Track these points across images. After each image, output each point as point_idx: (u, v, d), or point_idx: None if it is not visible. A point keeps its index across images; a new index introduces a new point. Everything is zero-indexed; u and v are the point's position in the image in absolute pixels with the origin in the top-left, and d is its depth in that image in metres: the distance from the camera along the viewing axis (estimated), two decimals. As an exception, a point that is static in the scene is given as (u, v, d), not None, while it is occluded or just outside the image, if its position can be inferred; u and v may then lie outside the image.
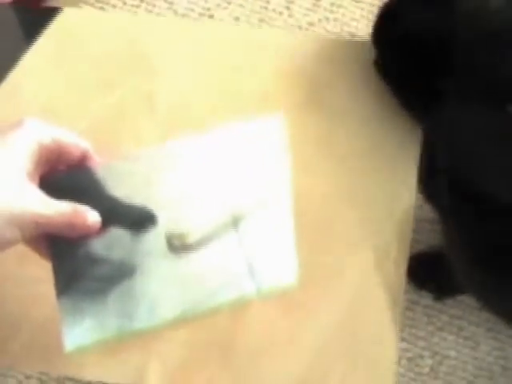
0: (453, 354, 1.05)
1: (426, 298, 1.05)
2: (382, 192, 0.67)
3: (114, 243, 0.62)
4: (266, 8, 1.20)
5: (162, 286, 0.63)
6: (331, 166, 0.68)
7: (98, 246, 0.62)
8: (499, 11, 0.58)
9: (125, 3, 1.22)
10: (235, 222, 0.64)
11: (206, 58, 0.73)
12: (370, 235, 0.66)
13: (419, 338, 1.05)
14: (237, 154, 0.65)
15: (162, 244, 0.63)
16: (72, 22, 0.75)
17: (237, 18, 1.20)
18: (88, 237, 0.60)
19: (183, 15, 1.20)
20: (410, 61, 0.63)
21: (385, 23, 0.66)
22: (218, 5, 1.21)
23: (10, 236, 0.54)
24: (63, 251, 0.61)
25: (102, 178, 0.62)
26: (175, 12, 1.20)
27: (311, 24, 1.19)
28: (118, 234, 0.62)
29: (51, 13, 0.75)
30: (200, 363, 0.66)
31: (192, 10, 1.21)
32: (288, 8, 1.20)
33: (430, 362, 1.04)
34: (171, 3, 1.21)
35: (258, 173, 0.65)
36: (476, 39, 0.58)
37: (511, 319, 0.87)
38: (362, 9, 1.19)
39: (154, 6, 1.21)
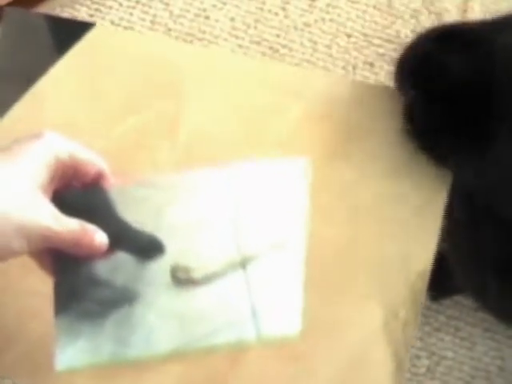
0: (450, 354, 1.05)
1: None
2: (398, 250, 0.65)
3: (119, 267, 0.61)
4: (261, 9, 1.20)
5: (161, 317, 0.62)
6: (351, 216, 0.66)
7: (102, 268, 0.61)
8: None
9: (121, 4, 1.22)
10: (244, 262, 0.63)
11: (234, 92, 0.71)
12: (381, 293, 0.64)
13: (416, 339, 1.05)
14: (255, 193, 0.64)
15: (166, 275, 0.62)
16: (103, 39, 0.74)
17: (232, 19, 1.19)
18: (93, 257, 0.59)
19: (179, 16, 1.20)
20: (450, 107, 0.61)
21: (416, 69, 0.63)
22: (214, 5, 1.21)
23: (17, 246, 0.54)
24: (67, 269, 0.60)
25: (114, 200, 0.61)
26: (171, 13, 1.20)
27: (307, 25, 1.19)
28: (123, 258, 0.61)
29: (83, 26, 0.74)
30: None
31: (187, 10, 1.21)
32: (284, 9, 1.20)
33: (426, 362, 1.04)
34: (167, 4, 1.21)
35: (274, 215, 0.64)
36: None
37: None
38: (358, 9, 1.19)
39: (150, 7, 1.21)
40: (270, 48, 1.18)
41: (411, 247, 0.64)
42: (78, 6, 1.21)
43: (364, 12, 1.18)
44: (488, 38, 0.60)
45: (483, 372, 1.05)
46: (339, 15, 1.19)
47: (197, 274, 0.62)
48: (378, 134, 0.68)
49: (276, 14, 1.20)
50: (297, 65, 1.17)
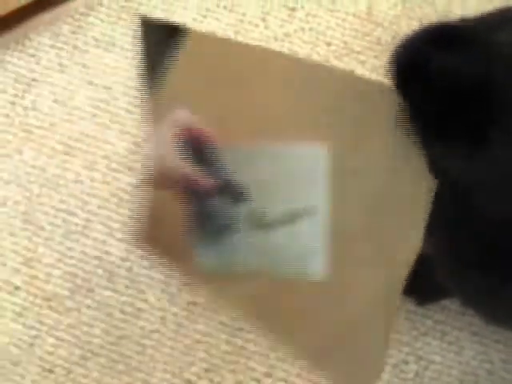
0: (437, 358, 1.05)
1: (409, 304, 1.06)
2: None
3: (222, 207, 0.78)
4: (241, 20, 1.21)
5: (249, 246, 0.78)
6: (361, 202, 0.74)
7: (211, 206, 0.79)
8: None
9: (102, 20, 1.23)
10: (295, 217, 0.76)
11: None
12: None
13: (403, 344, 1.04)
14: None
15: (249, 216, 0.78)
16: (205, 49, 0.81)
17: (213, 32, 1.19)
18: (206, 196, 0.78)
19: None
20: (446, 109, 0.60)
21: (408, 70, 0.63)
22: (194, 19, 1.22)
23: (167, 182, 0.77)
24: (190, 201, 0.79)
25: (220, 156, 0.77)
26: None
27: (287, 35, 1.20)
28: (224, 200, 0.78)
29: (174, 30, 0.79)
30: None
31: None
32: (264, 19, 1.21)
33: (414, 367, 1.04)
34: None
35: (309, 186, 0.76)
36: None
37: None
38: (337, 18, 1.20)
39: (132, 22, 1.22)
40: None
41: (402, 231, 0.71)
42: (60, 24, 1.22)
43: (343, 20, 1.18)
44: (483, 37, 0.60)
45: (472, 376, 1.05)
46: (319, 24, 1.20)
47: (268, 219, 0.78)
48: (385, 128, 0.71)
49: (256, 25, 1.21)
50: None
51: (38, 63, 1.20)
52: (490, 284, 0.73)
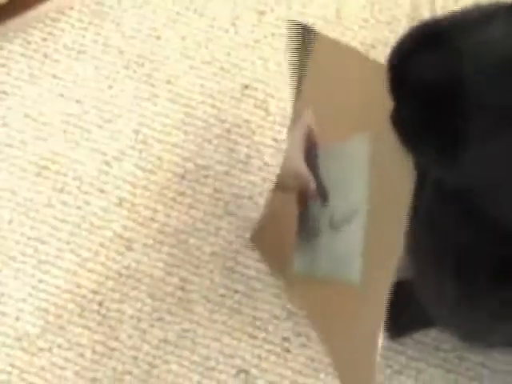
0: None
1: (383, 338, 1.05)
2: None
3: (318, 209, 0.86)
4: (211, 26, 1.21)
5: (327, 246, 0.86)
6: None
7: (312, 207, 0.87)
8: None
9: (73, 26, 1.23)
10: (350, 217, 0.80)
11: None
12: None
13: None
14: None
15: (328, 218, 0.85)
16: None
17: (183, 38, 1.19)
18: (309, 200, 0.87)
19: (130, 37, 1.21)
20: (427, 109, 0.62)
21: (396, 73, 0.65)
22: (165, 24, 1.21)
23: (292, 184, 0.88)
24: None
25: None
26: (122, 34, 1.21)
27: (257, 41, 1.20)
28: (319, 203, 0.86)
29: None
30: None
31: (139, 30, 1.21)
32: (234, 24, 1.21)
33: None
34: (118, 24, 1.22)
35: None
36: (486, 75, 0.60)
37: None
38: (307, 22, 1.17)
39: (102, 27, 1.22)
40: (222, 68, 1.19)
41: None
42: (30, 30, 1.22)
43: (313, 25, 1.15)
44: (458, 38, 0.62)
45: None
46: None
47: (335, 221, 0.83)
48: None
49: (226, 30, 1.21)
50: (247, 86, 1.18)
51: (8, 74, 1.20)
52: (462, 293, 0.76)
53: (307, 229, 0.87)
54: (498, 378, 1.06)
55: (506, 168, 0.63)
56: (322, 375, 1.04)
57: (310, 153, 0.84)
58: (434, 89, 0.61)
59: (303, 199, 0.87)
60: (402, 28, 1.10)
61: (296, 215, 0.88)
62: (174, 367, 1.05)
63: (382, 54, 1.02)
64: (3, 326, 1.07)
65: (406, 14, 1.22)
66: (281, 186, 0.92)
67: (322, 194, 0.83)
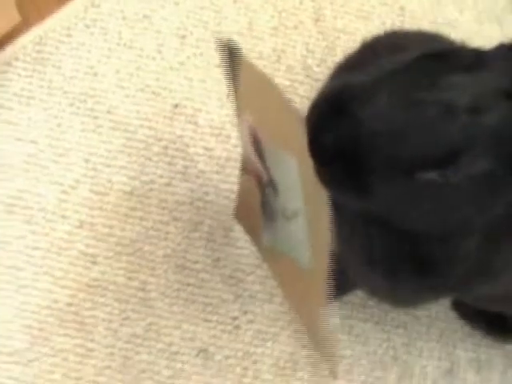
0: (348, 352, 1.19)
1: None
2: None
3: (271, 197, 0.92)
4: (140, 55, 1.31)
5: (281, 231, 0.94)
6: None
7: (266, 194, 0.93)
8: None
9: (19, 75, 1.31)
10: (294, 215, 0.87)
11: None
12: None
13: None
14: None
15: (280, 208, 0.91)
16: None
17: (117, 71, 1.30)
18: (263, 187, 0.93)
19: (71, 77, 1.30)
20: (339, 168, 0.74)
21: (312, 140, 0.75)
22: (99, 61, 1.31)
23: (250, 168, 0.94)
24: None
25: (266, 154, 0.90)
26: (64, 76, 1.31)
27: (182, 63, 1.31)
28: (270, 192, 0.92)
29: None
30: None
31: (77, 70, 1.31)
32: (159, 51, 1.31)
33: (329, 363, 1.17)
34: (59, 67, 1.31)
35: None
36: (376, 139, 0.72)
37: (398, 304, 1.05)
38: (229, 38, 1.29)
39: (45, 73, 1.31)
40: (153, 93, 1.29)
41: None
42: None
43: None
44: (355, 109, 0.73)
45: (379, 363, 1.20)
46: (208, 48, 1.30)
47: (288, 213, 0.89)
48: None
49: (153, 58, 1.31)
50: (177, 105, 1.29)
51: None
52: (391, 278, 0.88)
53: (267, 211, 0.96)
54: (420, 323, 1.21)
55: (403, 199, 0.76)
56: (268, 343, 1.20)
57: (258, 146, 0.89)
58: (342, 152, 0.73)
59: (259, 183, 0.93)
60: (307, 30, 1.24)
61: (259, 196, 0.96)
62: (144, 357, 1.20)
63: (291, 56, 1.16)
64: (-4, 346, 1.19)
65: (309, 17, 1.34)
66: (244, 169, 0.99)
67: (273, 186, 0.90)
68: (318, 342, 0.96)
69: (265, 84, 0.82)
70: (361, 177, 0.74)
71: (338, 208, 0.80)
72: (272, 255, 1.01)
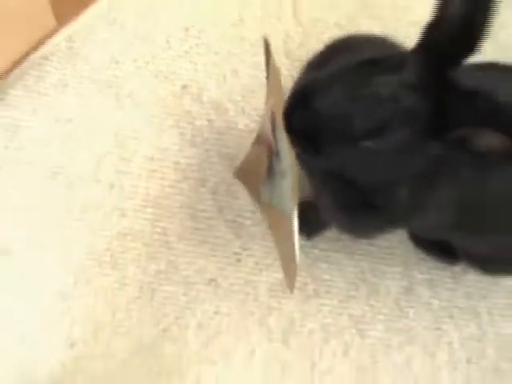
0: (327, 277, 1.40)
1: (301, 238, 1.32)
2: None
3: (276, 162, 1.08)
4: (153, 46, 1.52)
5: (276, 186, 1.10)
6: None
7: (274, 160, 1.08)
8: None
9: (52, 64, 1.49)
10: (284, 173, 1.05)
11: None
12: None
13: (302, 270, 1.40)
14: None
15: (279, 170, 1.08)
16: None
17: (135, 60, 1.50)
18: (272, 155, 1.08)
19: (98, 67, 1.49)
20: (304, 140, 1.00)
21: (287, 122, 0.99)
22: (121, 53, 1.50)
23: (264, 140, 1.12)
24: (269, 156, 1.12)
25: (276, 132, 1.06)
26: (91, 66, 1.49)
27: (186, 52, 1.52)
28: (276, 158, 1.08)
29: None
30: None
31: (102, 60, 1.50)
32: (168, 42, 1.53)
33: (312, 286, 1.40)
34: (87, 59, 1.50)
35: None
36: (328, 120, 0.98)
37: (360, 235, 1.32)
38: (221, 30, 1.53)
39: (76, 65, 1.49)
40: (165, 77, 1.50)
41: None
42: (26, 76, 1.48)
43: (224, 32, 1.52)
44: (315, 101, 0.98)
45: (352, 285, 1.42)
46: (207, 37, 1.53)
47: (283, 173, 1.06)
48: None
49: (163, 48, 1.52)
50: (184, 86, 1.50)
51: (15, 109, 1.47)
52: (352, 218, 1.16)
53: (271, 173, 1.09)
54: (384, 252, 1.45)
55: (350, 161, 1.01)
56: (264, 272, 1.42)
57: (274, 125, 1.03)
58: (306, 132, 0.98)
59: (269, 153, 1.08)
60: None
61: (266, 162, 1.11)
62: (166, 288, 1.40)
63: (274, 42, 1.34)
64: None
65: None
66: (258, 140, 1.15)
67: (277, 154, 1.04)
68: (287, 267, 1.11)
69: (278, 78, 1.02)
70: (319, 146, 1.00)
71: (311, 168, 1.10)
72: (267, 208, 1.16)
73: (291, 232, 1.02)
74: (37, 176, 1.44)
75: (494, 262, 1.31)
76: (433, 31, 0.96)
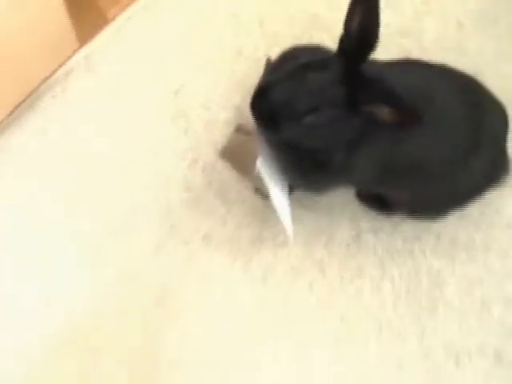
0: (301, 228, 1.77)
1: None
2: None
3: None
4: (163, 57, 1.93)
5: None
6: None
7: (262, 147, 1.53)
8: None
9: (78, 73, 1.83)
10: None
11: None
12: None
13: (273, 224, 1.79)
14: None
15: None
16: None
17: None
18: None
19: (122, 72, 1.85)
20: (263, 122, 1.40)
21: (252, 109, 1.40)
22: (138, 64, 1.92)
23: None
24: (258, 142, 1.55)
25: None
26: (116, 73, 1.86)
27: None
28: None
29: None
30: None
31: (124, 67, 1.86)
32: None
33: (282, 237, 1.76)
34: (112, 66, 1.86)
35: None
36: (279, 105, 1.37)
37: (314, 191, 1.69)
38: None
39: (100, 74, 1.84)
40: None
41: None
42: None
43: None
44: (270, 93, 1.38)
45: (313, 232, 1.78)
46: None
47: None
48: None
49: None
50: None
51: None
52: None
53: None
54: (337, 206, 1.80)
55: (298, 133, 1.40)
56: (247, 227, 1.78)
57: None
58: (267, 116, 1.37)
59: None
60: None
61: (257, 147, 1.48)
62: (175, 242, 1.80)
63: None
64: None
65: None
66: (240, 130, 1.61)
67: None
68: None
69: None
70: (277, 125, 1.39)
71: (273, 142, 1.50)
72: (256, 178, 1.53)
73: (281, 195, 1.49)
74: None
75: (417, 209, 1.68)
76: (344, 40, 1.34)
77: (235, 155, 1.70)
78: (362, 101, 1.31)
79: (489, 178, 1.58)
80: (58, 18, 1.62)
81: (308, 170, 1.49)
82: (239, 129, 1.66)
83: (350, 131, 1.39)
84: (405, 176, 1.50)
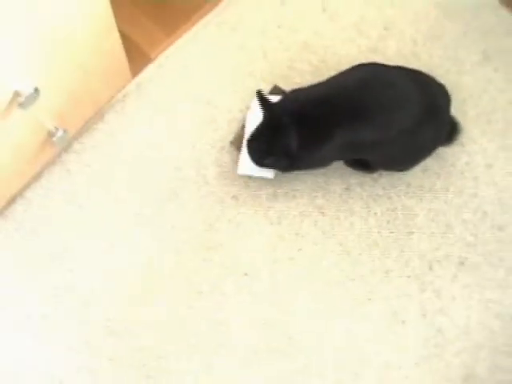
0: (298, 187, 2.27)
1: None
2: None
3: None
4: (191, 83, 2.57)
5: None
6: None
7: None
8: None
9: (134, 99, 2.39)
10: None
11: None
12: None
13: (286, 182, 2.26)
14: None
15: None
16: None
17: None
18: None
19: (176, 96, 2.40)
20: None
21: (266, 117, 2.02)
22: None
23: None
24: None
25: None
26: (167, 95, 2.39)
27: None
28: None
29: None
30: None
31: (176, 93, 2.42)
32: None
33: (293, 193, 2.28)
34: (162, 88, 2.39)
35: None
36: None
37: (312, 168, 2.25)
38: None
39: (151, 95, 2.38)
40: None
41: None
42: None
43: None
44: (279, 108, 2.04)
45: (314, 190, 2.28)
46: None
47: None
48: None
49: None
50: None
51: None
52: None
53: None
54: (328, 170, 2.25)
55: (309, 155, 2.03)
56: (233, 198, 2.32)
57: None
58: (252, 152, 2.10)
59: None
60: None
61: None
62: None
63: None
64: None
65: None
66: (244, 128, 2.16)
67: None
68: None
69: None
70: (261, 157, 2.06)
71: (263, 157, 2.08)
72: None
73: None
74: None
75: (389, 166, 2.23)
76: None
77: (240, 144, 2.25)
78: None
79: (438, 141, 2.13)
80: (119, 59, 2.14)
81: (280, 155, 2.07)
82: (244, 126, 2.23)
83: (288, 161, 2.05)
84: (371, 147, 2.02)
